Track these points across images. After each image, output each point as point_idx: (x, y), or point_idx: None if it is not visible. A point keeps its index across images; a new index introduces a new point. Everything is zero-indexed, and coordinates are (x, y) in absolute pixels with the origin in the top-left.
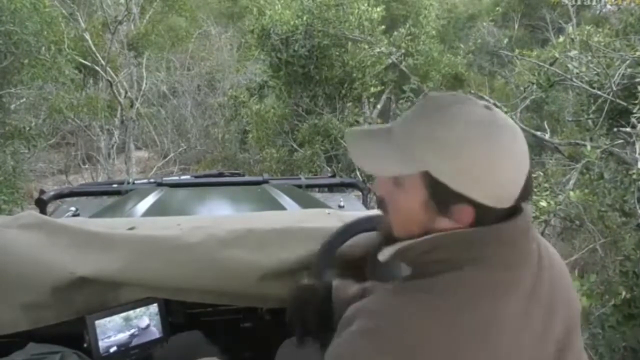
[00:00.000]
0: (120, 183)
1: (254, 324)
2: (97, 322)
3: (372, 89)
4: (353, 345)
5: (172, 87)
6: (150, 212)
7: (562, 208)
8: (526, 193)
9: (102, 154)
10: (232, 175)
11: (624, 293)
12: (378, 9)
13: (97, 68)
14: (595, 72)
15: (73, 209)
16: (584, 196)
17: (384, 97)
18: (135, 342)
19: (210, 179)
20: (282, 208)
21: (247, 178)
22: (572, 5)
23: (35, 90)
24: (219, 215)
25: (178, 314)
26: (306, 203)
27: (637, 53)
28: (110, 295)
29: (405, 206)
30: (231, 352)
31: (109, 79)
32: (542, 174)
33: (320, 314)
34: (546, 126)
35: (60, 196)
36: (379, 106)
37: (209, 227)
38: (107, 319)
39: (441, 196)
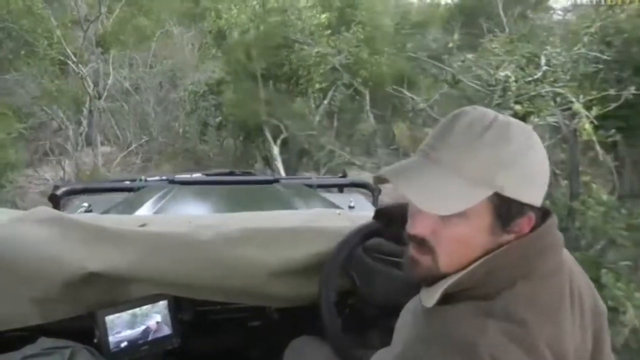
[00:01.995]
0: (133, 180)
1: (262, 323)
2: (107, 317)
3: (317, 85)
4: None
5: (135, 83)
6: (162, 209)
7: None
8: None
9: (70, 143)
10: (243, 174)
11: None
12: (323, 15)
13: (68, 62)
14: (485, 71)
15: (86, 205)
16: None
17: (330, 93)
18: (145, 338)
19: (221, 178)
20: (292, 207)
21: (257, 177)
22: (509, 16)
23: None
24: (229, 213)
25: (187, 312)
26: (316, 203)
27: (515, 57)
28: (121, 291)
29: (469, 235)
30: (239, 350)
31: (80, 72)
32: None
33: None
34: None
35: (73, 192)
36: (325, 101)
37: (219, 226)
38: (117, 314)
39: (507, 213)
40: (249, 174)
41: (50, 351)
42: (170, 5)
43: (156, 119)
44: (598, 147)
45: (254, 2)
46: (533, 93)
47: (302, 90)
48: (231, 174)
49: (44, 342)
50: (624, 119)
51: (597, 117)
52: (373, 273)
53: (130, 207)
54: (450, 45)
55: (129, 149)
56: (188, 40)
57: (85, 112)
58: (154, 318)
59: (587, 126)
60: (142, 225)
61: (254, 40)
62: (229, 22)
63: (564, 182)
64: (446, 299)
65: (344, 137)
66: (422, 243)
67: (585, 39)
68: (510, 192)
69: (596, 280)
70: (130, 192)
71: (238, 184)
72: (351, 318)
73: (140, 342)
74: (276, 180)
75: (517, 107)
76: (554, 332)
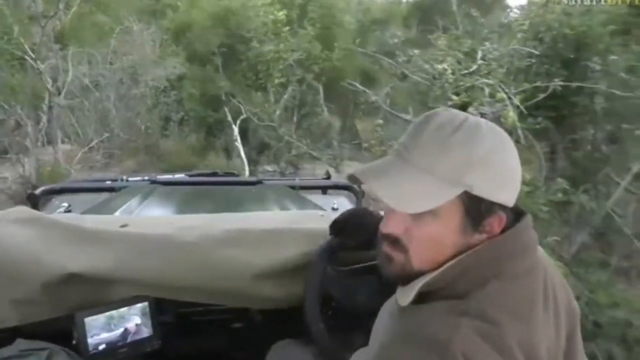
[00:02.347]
0: (114, 180)
1: (245, 324)
2: (86, 319)
3: (277, 81)
4: None
5: (95, 80)
6: (143, 209)
7: None
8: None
9: (30, 140)
10: (226, 175)
11: None
12: (281, 12)
13: (27, 57)
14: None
15: (65, 204)
16: None
17: (290, 88)
18: (124, 340)
19: (204, 178)
20: (276, 209)
21: (241, 178)
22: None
23: None
24: (211, 214)
25: (169, 313)
26: (299, 204)
27: (454, 52)
28: (101, 293)
29: (440, 234)
30: (221, 352)
31: (39, 68)
32: None
33: (367, 231)
34: (410, 109)
35: (52, 192)
36: (285, 96)
37: (202, 227)
38: (97, 316)
39: (477, 212)
40: (232, 174)
41: (27, 353)
42: (129, 1)
43: (117, 115)
44: (520, 133)
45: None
46: (468, 84)
47: (262, 85)
48: (214, 174)
49: (21, 344)
50: (554, 108)
51: (529, 107)
52: (348, 286)
53: (111, 208)
54: (396, 41)
55: (90, 146)
56: (148, 37)
57: (45, 108)
58: (134, 320)
59: (511, 114)
60: (123, 226)
61: (213, 37)
62: (188, 19)
63: None
64: (421, 298)
65: (303, 130)
66: (395, 242)
67: (519, 35)
68: (480, 191)
69: None
70: (111, 192)
71: (221, 185)
72: (334, 320)
73: (120, 344)
74: (259, 182)
75: (455, 98)
76: (526, 332)
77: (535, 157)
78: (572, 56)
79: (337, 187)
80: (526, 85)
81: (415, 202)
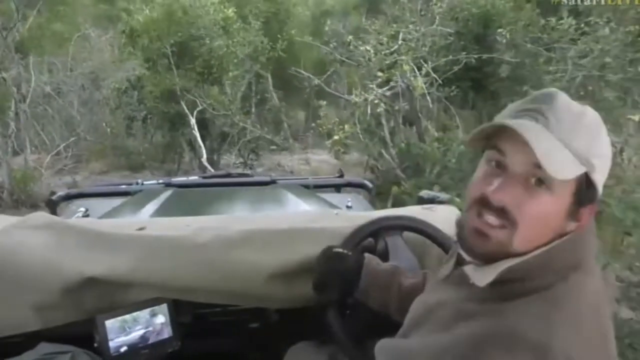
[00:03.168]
0: (129, 184)
1: (262, 324)
2: (107, 322)
3: (231, 74)
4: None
5: (57, 87)
6: (159, 212)
7: None
8: None
9: (1, 149)
10: (240, 175)
11: None
12: (230, 10)
13: None
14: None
15: (83, 209)
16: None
17: (245, 80)
18: (145, 341)
19: (218, 180)
20: (290, 208)
21: (255, 178)
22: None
23: None
24: (227, 216)
25: (187, 314)
26: (314, 203)
27: (380, 35)
28: (120, 296)
29: (551, 213)
30: (239, 352)
31: (4, 77)
32: None
33: (345, 281)
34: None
35: (70, 197)
36: (242, 88)
37: (217, 228)
38: (117, 319)
39: (584, 197)
40: (246, 175)
41: (50, 356)
42: (84, 9)
43: (82, 120)
44: (429, 99)
45: (162, 2)
46: (390, 62)
47: (217, 79)
48: (228, 175)
49: (44, 348)
50: (470, 79)
51: (449, 79)
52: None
53: (127, 211)
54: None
55: (57, 151)
56: (106, 42)
57: (12, 115)
58: (154, 321)
59: (420, 84)
60: (140, 229)
61: (166, 36)
62: (141, 21)
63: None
64: (498, 282)
65: (258, 117)
66: (501, 214)
67: (437, 17)
68: (596, 176)
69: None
70: (127, 196)
71: (235, 186)
72: (352, 317)
73: (141, 345)
74: (273, 181)
75: (380, 74)
76: (603, 326)
77: (462, 121)
78: (482, 32)
79: (351, 185)
80: (441, 60)
81: (565, 168)
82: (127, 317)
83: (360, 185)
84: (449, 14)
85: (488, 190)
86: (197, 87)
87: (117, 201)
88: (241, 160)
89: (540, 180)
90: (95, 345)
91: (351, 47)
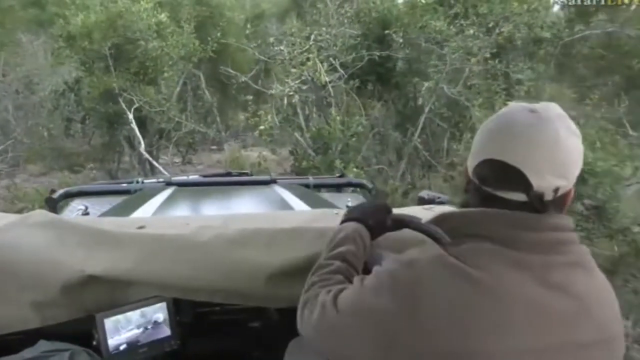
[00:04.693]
0: (130, 182)
1: (262, 324)
2: (106, 320)
3: (166, 74)
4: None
5: None
6: (159, 211)
7: None
8: None
9: None
10: (240, 174)
11: None
12: (162, 15)
13: None
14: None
15: (83, 207)
16: None
17: (180, 80)
18: (144, 340)
19: (218, 179)
20: (290, 208)
21: (255, 178)
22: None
23: None
24: (227, 214)
25: (187, 313)
26: (314, 203)
27: (295, 38)
28: (120, 294)
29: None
30: (239, 351)
31: None
32: None
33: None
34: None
35: (70, 195)
36: (178, 88)
37: (217, 227)
38: (116, 317)
39: None
40: (246, 174)
41: (50, 354)
42: (14, 14)
43: (18, 124)
44: (331, 90)
45: (98, 8)
46: (302, 59)
47: (153, 79)
48: (228, 174)
49: (43, 345)
50: (377, 73)
51: (356, 73)
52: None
53: (127, 209)
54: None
55: None
56: (39, 46)
57: None
58: (153, 320)
59: (321, 77)
60: (141, 227)
61: (102, 40)
62: (77, 26)
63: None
64: None
65: (195, 114)
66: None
67: (345, 20)
68: None
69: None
70: (127, 194)
71: (234, 185)
72: None
73: (140, 344)
74: (274, 181)
75: (293, 70)
76: None
77: (370, 108)
78: (381, 33)
79: (351, 184)
80: (349, 57)
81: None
82: (126, 315)
83: (359, 185)
84: (356, 18)
85: None
86: (134, 87)
87: (117, 199)
88: (180, 158)
89: None
90: (94, 343)
91: (273, 47)
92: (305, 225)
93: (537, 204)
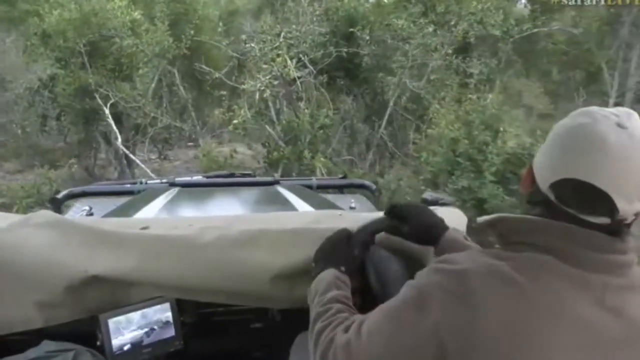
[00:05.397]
0: (133, 183)
1: (265, 324)
2: (109, 320)
3: (141, 71)
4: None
5: None
6: (163, 211)
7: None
8: None
9: None
10: (243, 175)
11: None
12: (136, 12)
13: None
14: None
15: (87, 208)
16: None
17: (155, 77)
18: (147, 340)
19: (222, 179)
20: (294, 209)
21: (258, 179)
22: None
23: None
24: (230, 215)
25: (190, 314)
26: (317, 204)
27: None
28: (123, 294)
29: None
30: (242, 352)
31: None
32: None
33: (345, 252)
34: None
35: (73, 196)
36: (153, 85)
37: (220, 228)
38: (120, 317)
39: None
40: (249, 175)
41: (53, 354)
42: None
43: None
44: (299, 85)
45: (72, 6)
46: (272, 56)
47: (128, 75)
48: (231, 175)
49: (47, 345)
50: (345, 69)
51: (325, 69)
52: (389, 263)
53: (131, 210)
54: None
55: None
56: (11, 44)
57: None
58: (157, 320)
59: (290, 72)
60: (144, 228)
61: (77, 37)
62: (52, 24)
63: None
64: None
65: (170, 110)
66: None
67: (315, 17)
68: None
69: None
70: (131, 195)
71: (238, 185)
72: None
73: (143, 344)
74: (277, 182)
75: (265, 66)
76: None
77: (340, 102)
78: (348, 30)
79: (354, 186)
80: (318, 54)
81: None
82: (129, 315)
83: (362, 187)
84: (325, 16)
85: None
86: (110, 84)
87: (120, 200)
88: (157, 154)
89: None
90: (98, 343)
91: (245, 44)
92: (309, 226)
93: (618, 228)
